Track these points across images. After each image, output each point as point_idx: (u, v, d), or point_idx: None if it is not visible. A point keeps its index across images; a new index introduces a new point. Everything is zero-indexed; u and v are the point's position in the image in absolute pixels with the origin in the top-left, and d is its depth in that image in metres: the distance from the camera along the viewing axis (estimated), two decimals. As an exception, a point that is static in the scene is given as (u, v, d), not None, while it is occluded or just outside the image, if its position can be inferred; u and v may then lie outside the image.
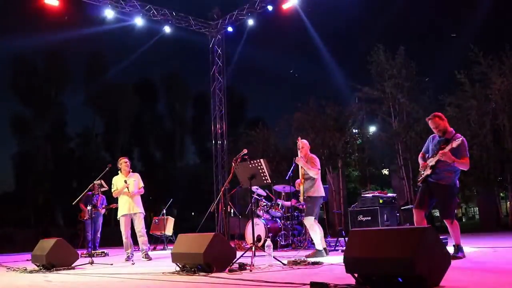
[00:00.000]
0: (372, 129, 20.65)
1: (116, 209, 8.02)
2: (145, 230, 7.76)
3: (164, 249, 10.86)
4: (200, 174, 31.55)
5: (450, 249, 4.63)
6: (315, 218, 6.44)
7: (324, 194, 6.67)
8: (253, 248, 5.84)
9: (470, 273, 3.99)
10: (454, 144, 4.98)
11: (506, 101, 14.32)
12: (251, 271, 4.74)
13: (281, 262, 5.28)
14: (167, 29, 15.35)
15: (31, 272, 6.01)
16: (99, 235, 10.73)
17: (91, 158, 31.47)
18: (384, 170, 24.18)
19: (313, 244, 6.74)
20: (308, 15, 15.45)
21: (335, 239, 8.44)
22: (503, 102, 14.38)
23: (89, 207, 9.00)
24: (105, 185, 9.16)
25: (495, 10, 19.58)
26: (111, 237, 12.79)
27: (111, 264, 6.79)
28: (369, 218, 8.30)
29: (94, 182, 8.75)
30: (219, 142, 16.21)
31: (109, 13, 13.67)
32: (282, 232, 8.78)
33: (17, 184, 31.53)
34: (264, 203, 9.27)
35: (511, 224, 15.15)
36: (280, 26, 18.98)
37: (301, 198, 6.59)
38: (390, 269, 3.05)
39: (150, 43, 18.32)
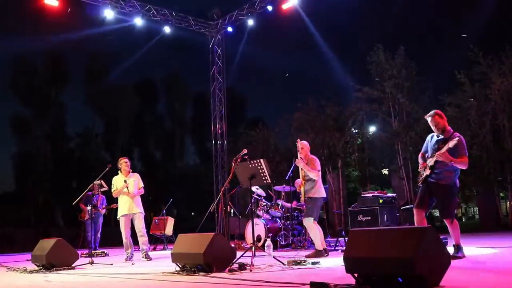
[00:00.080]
0: (372, 129, 20.66)
1: (116, 209, 8.02)
2: (146, 230, 7.76)
3: (164, 249, 10.86)
4: (200, 174, 31.55)
5: (450, 249, 4.63)
6: (314, 219, 6.45)
7: (325, 195, 6.67)
8: (253, 248, 5.84)
9: (470, 273, 3.99)
10: (451, 144, 4.99)
11: (506, 101, 14.33)
12: (251, 271, 4.74)
13: (281, 262, 5.27)
14: (167, 29, 15.34)
15: (31, 272, 6.01)
16: (99, 235, 10.74)
17: (91, 158, 31.47)
18: (384, 170, 24.19)
19: (313, 244, 6.75)
20: (308, 15, 15.45)
21: (335, 239, 8.45)
22: (503, 102, 14.39)
23: (89, 207, 9.00)
24: (105, 185, 9.16)
25: (495, 10, 19.58)
26: (111, 237, 12.80)
27: (111, 264, 6.79)
28: (369, 218, 8.31)
29: (94, 182, 8.75)
30: (219, 142, 16.20)
31: (108, 13, 13.66)
32: (282, 232, 8.78)
33: (17, 184, 31.55)
34: (264, 203, 9.27)
35: (511, 224, 15.16)
36: (280, 26, 18.98)
37: (302, 199, 6.60)
38: (390, 269, 3.05)
39: (151, 43, 18.33)
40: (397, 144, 17.00)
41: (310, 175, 6.44)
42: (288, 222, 8.90)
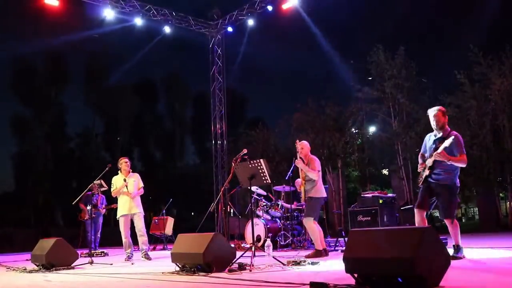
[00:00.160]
0: (372, 129, 20.65)
1: (116, 209, 8.01)
2: (145, 230, 7.76)
3: (164, 249, 10.85)
4: (200, 174, 31.51)
5: (450, 249, 4.63)
6: (314, 219, 6.45)
7: (325, 195, 6.66)
8: (253, 248, 5.84)
9: (470, 273, 3.99)
10: (447, 143, 5.00)
11: (506, 101, 14.32)
12: (250, 271, 4.73)
13: (281, 262, 5.27)
14: (167, 29, 15.34)
15: (30, 272, 6.01)
16: (99, 235, 10.74)
17: (91, 158, 31.45)
18: (384, 170, 24.17)
19: (313, 244, 6.75)
20: (308, 15, 15.44)
21: (335, 239, 8.45)
22: (503, 102, 14.38)
23: (89, 207, 8.99)
24: (104, 185, 9.16)
25: (495, 10, 19.59)
26: (111, 237, 12.79)
27: (111, 264, 6.79)
28: (369, 218, 8.30)
29: (94, 182, 8.75)
30: (219, 142, 16.20)
31: (108, 13, 13.67)
32: (282, 232, 8.77)
33: (17, 184, 31.53)
34: (264, 203, 9.26)
35: (511, 224, 15.16)
36: (280, 26, 18.98)
37: (302, 199, 6.60)
38: (390, 269, 3.05)
39: (151, 44, 18.33)
40: (397, 144, 16.99)
41: (310, 176, 6.44)
42: (288, 222, 8.90)
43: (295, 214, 9.00)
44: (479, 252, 6.10)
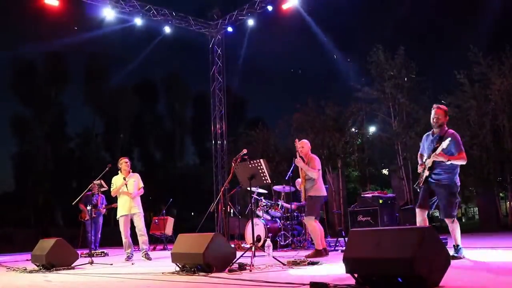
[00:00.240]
0: (372, 129, 20.65)
1: (116, 209, 8.02)
2: (146, 230, 7.76)
3: (164, 249, 10.85)
4: (200, 174, 31.54)
5: (450, 249, 4.63)
6: (316, 218, 6.45)
7: (325, 194, 6.67)
8: (253, 248, 5.84)
9: (470, 273, 3.99)
10: (444, 144, 5.01)
11: (505, 101, 14.32)
12: (250, 271, 4.73)
13: (281, 262, 5.27)
14: (167, 29, 15.35)
15: (31, 272, 6.01)
16: (99, 235, 10.73)
17: (91, 158, 31.46)
18: (383, 170, 24.18)
19: (313, 244, 6.75)
20: (307, 15, 15.44)
21: (335, 239, 8.45)
22: (503, 102, 14.38)
23: (89, 207, 8.99)
24: (104, 185, 9.15)
25: (495, 10, 19.58)
26: (111, 237, 12.80)
27: (111, 264, 6.79)
28: (369, 218, 8.31)
29: (94, 182, 8.74)
30: (219, 142, 16.21)
31: (108, 13, 13.67)
32: (282, 232, 8.78)
33: (17, 184, 31.54)
34: (264, 203, 9.27)
35: (511, 224, 15.16)
36: (280, 26, 18.97)
37: (302, 198, 6.60)
38: (390, 269, 3.05)
39: (151, 44, 18.33)
40: (397, 144, 16.99)
41: (310, 174, 6.44)
42: (288, 222, 8.90)
43: (295, 214, 9.00)
44: (479, 252, 6.10)
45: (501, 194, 19.76)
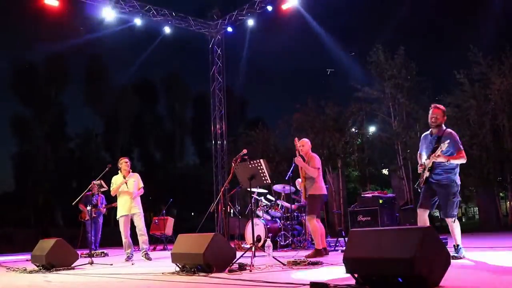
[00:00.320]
0: (372, 129, 20.67)
1: (116, 209, 8.02)
2: (146, 230, 7.76)
3: (164, 249, 10.86)
4: (200, 174, 31.55)
5: (450, 249, 4.63)
6: (317, 217, 6.45)
7: (325, 192, 6.67)
8: (253, 248, 5.84)
9: (470, 273, 3.99)
10: (444, 147, 5.01)
11: (505, 101, 14.34)
12: (250, 271, 4.73)
13: (281, 262, 5.27)
14: (167, 29, 15.35)
15: (30, 272, 6.00)
16: (99, 235, 10.73)
17: (91, 158, 31.46)
18: (383, 170, 24.20)
19: (313, 244, 6.74)
20: (307, 15, 15.44)
21: (335, 239, 8.45)
22: (503, 102, 14.39)
23: (89, 207, 8.99)
24: (104, 185, 9.15)
25: (495, 10, 19.58)
26: (111, 237, 12.80)
27: (111, 264, 6.79)
28: (369, 218, 8.30)
29: (94, 182, 8.73)
30: (219, 142, 16.21)
31: (108, 13, 13.67)
32: (282, 232, 8.77)
33: (17, 184, 31.54)
34: (264, 203, 9.27)
35: (511, 224, 15.16)
36: (280, 26, 18.98)
37: (303, 197, 6.60)
38: (390, 269, 3.05)
39: (151, 44, 18.33)
40: (397, 144, 17.00)
41: (310, 173, 6.45)
42: (288, 222, 8.90)
43: (295, 214, 9.00)
44: (479, 252, 6.10)
45: (501, 193, 19.79)
